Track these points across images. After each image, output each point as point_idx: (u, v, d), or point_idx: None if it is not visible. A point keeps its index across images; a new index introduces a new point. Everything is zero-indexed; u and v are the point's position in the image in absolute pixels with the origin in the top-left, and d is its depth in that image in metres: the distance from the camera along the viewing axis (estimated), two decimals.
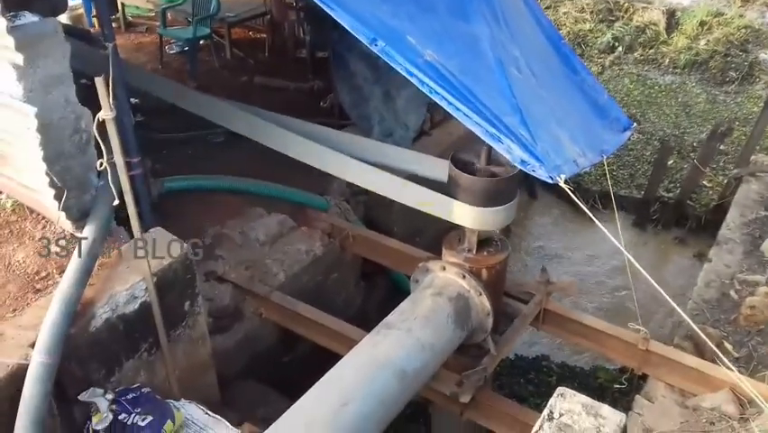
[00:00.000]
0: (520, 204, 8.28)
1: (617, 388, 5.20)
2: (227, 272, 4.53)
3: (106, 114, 2.62)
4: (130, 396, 3.13)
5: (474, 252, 3.93)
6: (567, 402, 2.66)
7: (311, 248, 4.92)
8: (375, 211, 5.81)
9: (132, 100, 5.85)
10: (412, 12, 3.15)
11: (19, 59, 2.86)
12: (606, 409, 2.62)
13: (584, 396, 2.69)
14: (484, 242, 3.98)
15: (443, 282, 3.89)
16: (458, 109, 2.93)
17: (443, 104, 2.95)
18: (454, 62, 2.97)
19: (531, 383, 5.77)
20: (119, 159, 2.74)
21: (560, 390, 2.70)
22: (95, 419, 2.97)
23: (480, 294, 3.84)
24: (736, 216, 6.16)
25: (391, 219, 5.74)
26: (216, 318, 4.27)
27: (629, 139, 4.15)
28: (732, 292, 5.17)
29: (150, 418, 3.05)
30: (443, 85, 2.92)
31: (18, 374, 2.74)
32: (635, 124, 4.18)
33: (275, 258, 4.76)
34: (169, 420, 3.10)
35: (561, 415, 2.61)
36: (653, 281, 2.59)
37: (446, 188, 3.83)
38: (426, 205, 3.99)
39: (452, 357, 3.98)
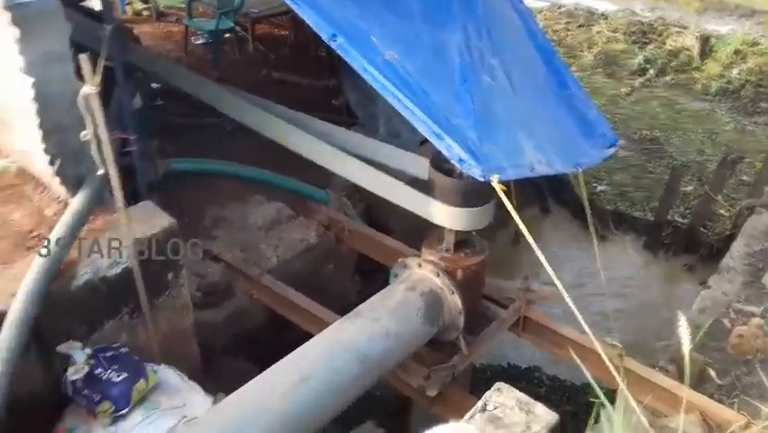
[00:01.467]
0: (531, 218, 8.31)
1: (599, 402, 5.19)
2: (222, 252, 4.73)
3: (90, 89, 2.84)
4: (108, 354, 3.27)
5: (451, 251, 4.04)
6: (503, 397, 2.74)
7: (306, 237, 5.08)
8: (376, 209, 5.92)
9: (154, 85, 6.13)
10: (385, 16, 3.26)
11: (17, 33, 3.06)
12: (540, 408, 2.68)
13: (521, 393, 2.76)
14: (462, 243, 4.09)
15: (418, 278, 4.02)
16: (406, 107, 3.02)
17: (392, 101, 3.04)
18: (416, 65, 3.07)
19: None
20: (103, 133, 2.95)
21: (497, 385, 2.77)
22: (71, 370, 3.13)
23: (453, 293, 3.94)
24: (740, 246, 6.08)
25: (391, 218, 5.83)
26: (206, 294, 4.46)
27: (612, 156, 4.19)
28: (726, 321, 5.14)
29: (124, 375, 3.19)
30: (396, 83, 3.01)
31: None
32: (619, 141, 4.23)
33: (269, 243, 4.95)
34: (142, 380, 3.23)
35: (495, 408, 2.70)
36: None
37: (427, 189, 3.96)
38: (410, 204, 4.13)
39: (426, 352, 4.10)
